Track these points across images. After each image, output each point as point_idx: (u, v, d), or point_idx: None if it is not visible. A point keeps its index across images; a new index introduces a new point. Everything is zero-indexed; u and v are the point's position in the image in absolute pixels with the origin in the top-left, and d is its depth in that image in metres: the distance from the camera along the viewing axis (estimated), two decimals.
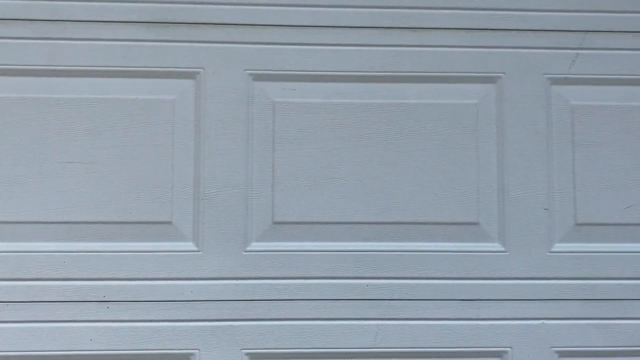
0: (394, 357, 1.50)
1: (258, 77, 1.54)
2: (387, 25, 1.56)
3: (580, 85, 1.58)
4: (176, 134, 1.51)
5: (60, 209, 1.48)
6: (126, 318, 1.47)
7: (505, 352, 1.52)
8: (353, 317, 1.50)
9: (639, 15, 1.59)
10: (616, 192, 1.55)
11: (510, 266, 1.54)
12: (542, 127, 1.57)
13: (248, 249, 1.51)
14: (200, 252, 1.50)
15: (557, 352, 1.52)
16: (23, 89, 1.49)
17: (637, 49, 1.58)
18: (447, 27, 1.56)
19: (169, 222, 1.50)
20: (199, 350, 1.47)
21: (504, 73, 1.57)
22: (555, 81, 1.58)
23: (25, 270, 1.46)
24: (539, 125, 1.57)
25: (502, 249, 1.55)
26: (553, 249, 1.55)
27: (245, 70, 1.54)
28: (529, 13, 1.57)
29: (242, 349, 1.48)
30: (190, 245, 1.50)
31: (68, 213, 1.48)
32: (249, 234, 1.51)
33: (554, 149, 1.57)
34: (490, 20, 1.57)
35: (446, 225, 1.54)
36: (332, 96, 1.55)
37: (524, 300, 1.53)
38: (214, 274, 1.49)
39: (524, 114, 1.57)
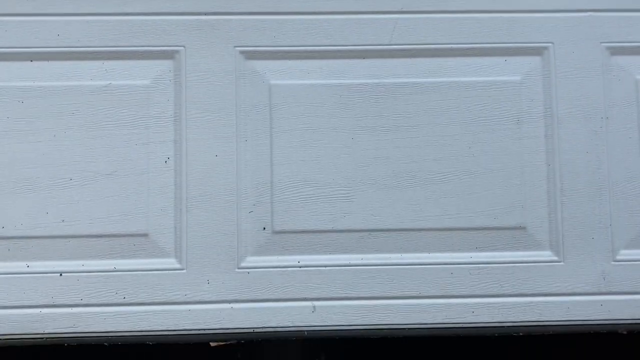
0: (413, 57, 1.30)
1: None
2: None
3: None
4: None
5: None
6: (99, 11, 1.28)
7: (546, 48, 1.32)
8: (367, 10, 1.31)
9: None
10: None
11: None
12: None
13: None
14: None
15: (607, 47, 1.32)
16: None
17: None
18: None
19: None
20: (184, 47, 1.29)
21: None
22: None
23: None
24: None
25: None
26: None
27: (235, 47, 1.30)
28: None
29: (235, 47, 1.29)
30: None
31: None
32: None
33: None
34: None
35: None
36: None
37: None
38: None
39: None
